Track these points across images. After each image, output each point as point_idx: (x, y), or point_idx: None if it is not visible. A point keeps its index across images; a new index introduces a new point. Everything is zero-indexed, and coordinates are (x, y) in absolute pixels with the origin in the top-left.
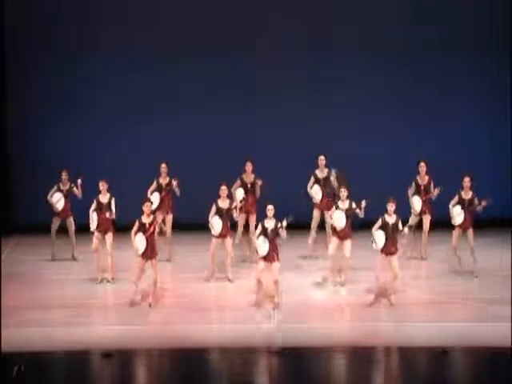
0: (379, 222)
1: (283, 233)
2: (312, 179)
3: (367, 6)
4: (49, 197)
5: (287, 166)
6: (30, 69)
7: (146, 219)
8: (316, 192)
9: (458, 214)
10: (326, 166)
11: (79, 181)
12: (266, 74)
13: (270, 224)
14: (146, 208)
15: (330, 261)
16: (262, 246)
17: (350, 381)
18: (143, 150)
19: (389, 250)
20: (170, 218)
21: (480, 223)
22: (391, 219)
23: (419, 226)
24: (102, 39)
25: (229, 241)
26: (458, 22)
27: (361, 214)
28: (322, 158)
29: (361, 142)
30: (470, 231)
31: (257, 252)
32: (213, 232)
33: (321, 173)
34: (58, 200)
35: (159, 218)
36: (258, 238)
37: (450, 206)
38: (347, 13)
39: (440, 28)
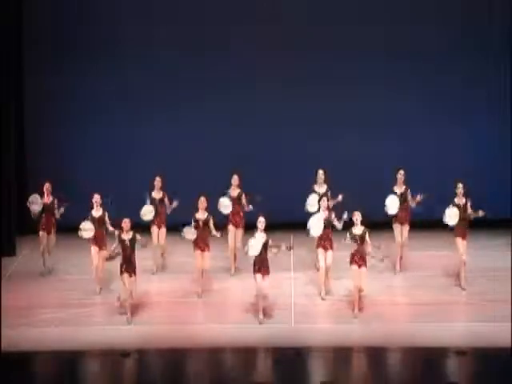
0: (348, 235)
1: (277, 252)
2: (310, 198)
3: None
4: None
5: (286, 169)
6: (36, 69)
7: (125, 236)
8: (312, 204)
9: (451, 216)
10: (325, 181)
11: (62, 209)
12: (266, 74)
13: (260, 236)
14: (124, 224)
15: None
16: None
17: (360, 380)
18: (149, 154)
19: (358, 261)
20: (163, 231)
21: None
22: (358, 230)
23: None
24: (105, 39)
25: (207, 256)
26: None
27: (339, 226)
28: (321, 172)
29: (361, 142)
30: (464, 242)
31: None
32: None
33: (319, 188)
34: (35, 203)
35: (154, 232)
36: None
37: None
38: (348, 12)
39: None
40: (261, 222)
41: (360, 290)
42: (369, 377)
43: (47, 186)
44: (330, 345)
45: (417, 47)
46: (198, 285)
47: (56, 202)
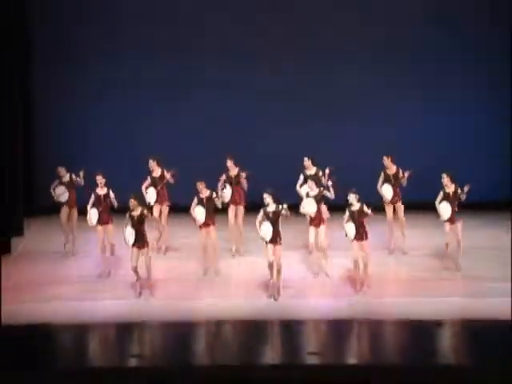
0: (346, 214)
1: (287, 212)
2: (301, 178)
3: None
4: (52, 189)
5: (278, 157)
6: (44, 68)
7: (134, 212)
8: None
9: (444, 210)
10: (314, 165)
11: (81, 173)
12: (266, 73)
13: (271, 208)
14: (131, 203)
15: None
16: (267, 231)
17: (355, 351)
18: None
19: (360, 236)
20: (165, 207)
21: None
22: (355, 208)
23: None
24: (103, 39)
25: (213, 230)
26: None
27: (331, 195)
28: (305, 159)
29: (360, 143)
30: (459, 224)
31: (262, 237)
32: (197, 223)
33: (309, 171)
34: (61, 193)
35: (156, 210)
36: (260, 224)
37: (436, 203)
38: (349, 12)
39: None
40: (265, 197)
41: (365, 264)
42: (356, 348)
43: (62, 170)
44: (319, 318)
45: (417, 47)
46: (202, 262)
47: (75, 177)
